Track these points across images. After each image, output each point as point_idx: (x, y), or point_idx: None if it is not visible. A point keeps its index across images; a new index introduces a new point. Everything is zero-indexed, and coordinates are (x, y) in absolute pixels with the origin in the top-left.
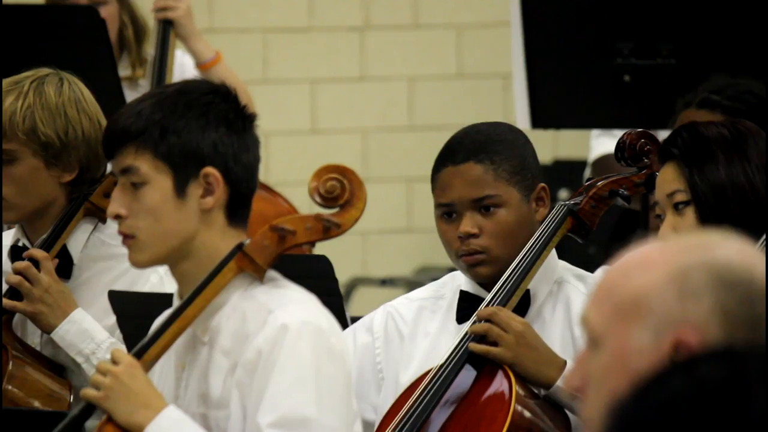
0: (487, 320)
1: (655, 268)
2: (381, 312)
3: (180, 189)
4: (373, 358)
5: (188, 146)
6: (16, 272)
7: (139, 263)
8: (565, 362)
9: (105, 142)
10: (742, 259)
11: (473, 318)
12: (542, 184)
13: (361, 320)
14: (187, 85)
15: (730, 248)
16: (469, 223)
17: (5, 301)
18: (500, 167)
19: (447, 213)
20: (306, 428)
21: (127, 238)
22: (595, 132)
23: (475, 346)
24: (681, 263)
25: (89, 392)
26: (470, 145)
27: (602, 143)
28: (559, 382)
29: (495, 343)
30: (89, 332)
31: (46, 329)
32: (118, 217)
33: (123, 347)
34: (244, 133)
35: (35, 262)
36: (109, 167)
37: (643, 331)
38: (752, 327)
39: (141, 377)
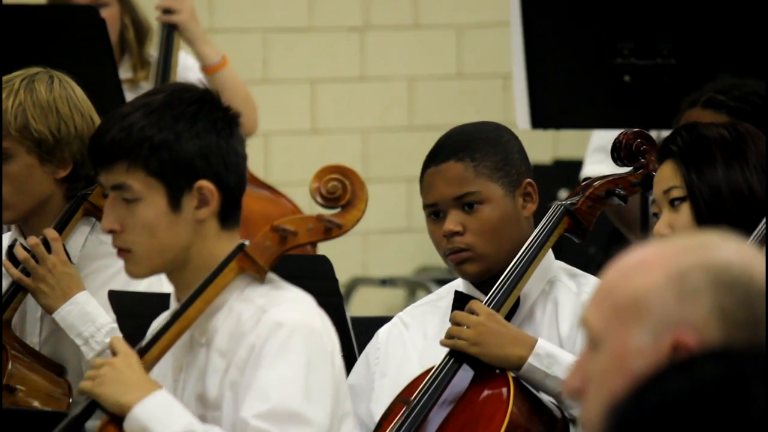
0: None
1: (654, 269)
2: (390, 323)
3: (174, 204)
4: (373, 368)
5: (180, 161)
6: (26, 248)
7: (136, 275)
8: (535, 341)
9: (92, 153)
10: (741, 259)
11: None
12: (528, 180)
13: (381, 329)
14: (173, 96)
15: (729, 249)
16: (452, 221)
17: (12, 269)
18: (481, 164)
19: (434, 213)
20: (292, 422)
21: (123, 251)
22: (591, 146)
23: (443, 341)
24: (680, 264)
25: (83, 383)
26: (452, 146)
27: (597, 161)
28: (531, 360)
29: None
30: (91, 315)
31: (47, 309)
32: (111, 232)
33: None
34: (231, 138)
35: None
36: None
37: (642, 331)
38: (751, 328)
39: (136, 365)
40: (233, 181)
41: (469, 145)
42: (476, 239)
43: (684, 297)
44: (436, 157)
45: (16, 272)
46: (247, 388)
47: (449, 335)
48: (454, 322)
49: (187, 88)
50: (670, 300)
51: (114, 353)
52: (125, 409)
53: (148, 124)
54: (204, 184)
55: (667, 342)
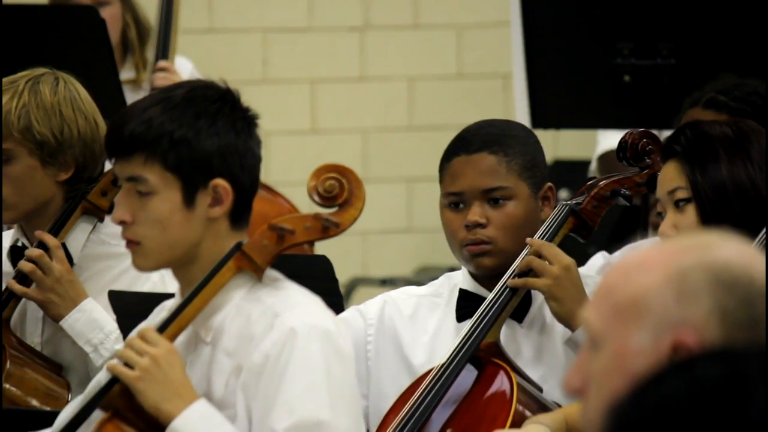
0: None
1: (654, 269)
2: (378, 300)
3: (188, 200)
4: (365, 345)
5: (198, 158)
6: (29, 260)
7: (143, 269)
8: None
9: (110, 144)
10: (741, 259)
11: (525, 250)
12: (549, 184)
13: (356, 306)
14: (194, 92)
15: (729, 249)
16: (477, 212)
17: (17, 286)
18: (513, 161)
19: (454, 203)
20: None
21: (132, 243)
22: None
23: (514, 281)
24: (680, 264)
25: (120, 368)
26: (485, 137)
27: (608, 137)
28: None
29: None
30: (99, 322)
31: (56, 318)
32: (122, 223)
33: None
34: (250, 139)
35: (47, 250)
36: (107, 165)
37: (642, 332)
38: (751, 327)
39: (178, 366)
40: (248, 181)
41: (503, 141)
42: (499, 233)
43: (684, 297)
44: (468, 146)
45: (21, 288)
46: (270, 401)
47: (523, 268)
48: (538, 251)
49: (209, 86)
50: (670, 300)
51: (149, 342)
52: (164, 417)
53: (168, 119)
54: (219, 182)
55: (667, 342)
